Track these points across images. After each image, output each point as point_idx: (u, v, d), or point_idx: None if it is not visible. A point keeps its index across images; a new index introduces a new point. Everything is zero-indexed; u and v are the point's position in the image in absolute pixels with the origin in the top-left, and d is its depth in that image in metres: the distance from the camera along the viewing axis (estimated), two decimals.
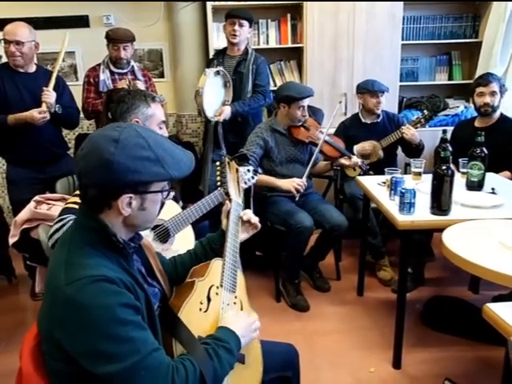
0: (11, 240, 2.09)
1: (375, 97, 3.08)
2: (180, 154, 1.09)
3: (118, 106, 1.76)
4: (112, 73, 3.09)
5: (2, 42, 2.63)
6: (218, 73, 3.06)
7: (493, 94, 2.78)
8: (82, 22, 3.80)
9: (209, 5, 3.53)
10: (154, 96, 1.81)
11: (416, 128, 2.98)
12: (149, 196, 1.06)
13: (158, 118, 1.79)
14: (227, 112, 3.08)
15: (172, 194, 2.00)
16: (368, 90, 3.06)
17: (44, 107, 2.60)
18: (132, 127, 1.06)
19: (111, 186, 1.00)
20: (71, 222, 1.54)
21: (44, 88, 2.62)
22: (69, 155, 3.03)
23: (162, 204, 1.12)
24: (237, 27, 3.12)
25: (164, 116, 1.84)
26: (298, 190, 2.65)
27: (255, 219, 1.49)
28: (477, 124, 2.92)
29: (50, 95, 2.62)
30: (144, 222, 1.11)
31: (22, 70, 2.70)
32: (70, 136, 3.95)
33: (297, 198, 2.68)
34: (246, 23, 3.14)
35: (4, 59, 2.77)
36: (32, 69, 2.75)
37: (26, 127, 2.61)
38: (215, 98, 3.12)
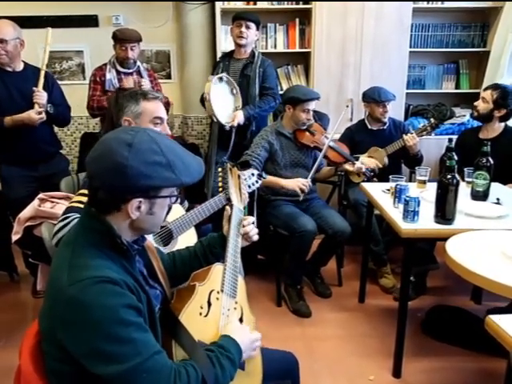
0: (14, 237, 2.09)
1: (382, 106, 3.07)
2: (190, 160, 1.09)
3: (114, 107, 1.79)
4: (118, 72, 3.11)
5: None
6: (221, 79, 3.06)
7: (482, 99, 2.78)
8: (91, 21, 3.82)
9: (217, 7, 3.54)
10: (147, 93, 1.79)
11: (421, 136, 2.97)
12: (158, 200, 1.06)
13: (150, 114, 1.75)
14: (240, 117, 3.08)
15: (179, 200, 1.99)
16: (375, 99, 3.05)
17: (37, 108, 2.57)
18: (145, 131, 1.06)
19: (123, 190, 1.01)
20: (75, 220, 1.55)
21: (34, 89, 2.58)
22: (61, 154, 3.02)
23: (170, 208, 1.13)
24: (243, 29, 3.12)
25: (162, 112, 1.78)
26: (302, 190, 2.65)
27: (254, 231, 1.45)
28: (481, 135, 2.89)
29: (41, 96, 2.60)
30: (151, 225, 1.11)
31: (9, 69, 2.66)
32: (75, 135, 3.97)
33: (301, 198, 2.68)
34: (252, 25, 3.14)
35: None
36: (20, 67, 2.70)
37: (20, 127, 2.59)
38: (225, 105, 3.12)
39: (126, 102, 1.75)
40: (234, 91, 3.12)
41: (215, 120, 3.06)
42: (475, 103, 2.83)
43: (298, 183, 2.67)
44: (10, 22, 2.65)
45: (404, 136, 2.98)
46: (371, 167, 2.94)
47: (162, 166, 1.01)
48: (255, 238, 1.46)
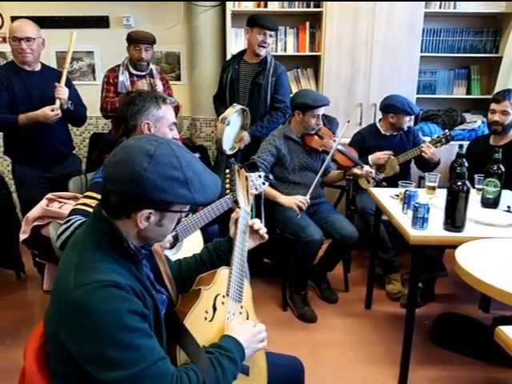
0: (22, 236, 2.10)
1: (411, 116, 3.07)
2: (208, 179, 1.09)
3: (128, 107, 1.76)
4: (131, 74, 3.11)
5: (11, 40, 2.60)
6: (238, 112, 3.04)
7: (504, 112, 2.69)
8: (102, 22, 3.84)
9: (228, 9, 3.53)
10: (165, 98, 1.80)
11: (436, 147, 2.93)
12: (168, 214, 1.06)
13: (169, 120, 1.79)
14: (246, 138, 3.08)
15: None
16: (407, 111, 2.99)
17: (57, 104, 2.58)
18: (168, 144, 1.05)
19: (135, 199, 1.01)
20: (77, 223, 1.55)
21: (56, 84, 2.59)
22: (74, 154, 3.02)
23: (179, 221, 1.13)
24: (268, 39, 3.05)
25: (175, 118, 1.84)
26: (300, 208, 2.62)
27: (263, 230, 1.46)
28: (492, 142, 2.85)
29: (63, 91, 2.60)
30: (157, 236, 1.11)
31: (28, 69, 2.67)
32: (84, 135, 3.99)
33: (298, 216, 2.63)
34: (274, 34, 3.13)
35: (9, 59, 2.76)
36: (38, 67, 2.72)
37: (37, 127, 2.58)
38: (234, 132, 3.11)
39: (148, 104, 1.74)
40: (245, 113, 3.09)
41: (218, 147, 3.08)
42: (495, 118, 2.71)
43: (295, 201, 2.63)
44: (32, 21, 2.66)
45: (422, 147, 2.92)
46: (380, 158, 2.96)
47: (179, 182, 1.01)
48: (266, 236, 1.47)
